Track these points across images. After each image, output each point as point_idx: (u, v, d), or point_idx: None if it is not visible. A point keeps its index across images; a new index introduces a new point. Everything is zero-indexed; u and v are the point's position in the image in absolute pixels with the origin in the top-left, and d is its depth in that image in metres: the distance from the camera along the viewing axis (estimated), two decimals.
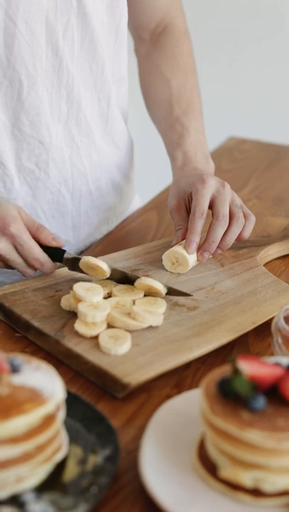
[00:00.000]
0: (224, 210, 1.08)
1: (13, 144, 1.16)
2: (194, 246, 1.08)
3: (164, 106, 1.27)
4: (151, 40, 1.34)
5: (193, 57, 1.34)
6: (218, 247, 1.09)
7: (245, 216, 1.12)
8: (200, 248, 1.09)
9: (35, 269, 1.06)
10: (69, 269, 1.07)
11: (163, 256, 1.09)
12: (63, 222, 1.27)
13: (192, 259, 1.08)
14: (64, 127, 1.20)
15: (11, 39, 1.08)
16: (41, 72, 1.13)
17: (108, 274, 1.03)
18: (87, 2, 1.14)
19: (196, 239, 1.08)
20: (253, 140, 1.79)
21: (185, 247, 1.08)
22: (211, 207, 1.10)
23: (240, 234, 1.11)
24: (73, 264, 1.05)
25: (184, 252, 1.07)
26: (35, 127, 1.16)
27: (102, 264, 1.02)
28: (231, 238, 1.10)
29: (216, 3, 2.64)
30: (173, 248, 1.08)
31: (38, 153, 1.18)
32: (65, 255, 1.06)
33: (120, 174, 1.36)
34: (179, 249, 1.08)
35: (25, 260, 1.04)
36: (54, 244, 1.05)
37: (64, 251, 1.06)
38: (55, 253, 1.05)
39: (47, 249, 1.05)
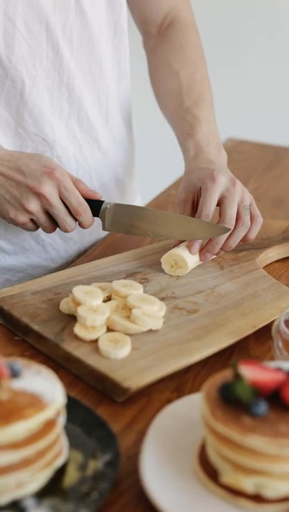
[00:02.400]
0: (231, 213, 1.07)
1: (18, 142, 1.17)
2: (197, 246, 1.08)
3: (174, 98, 1.26)
4: (158, 34, 1.34)
5: (201, 49, 1.33)
6: (221, 248, 1.09)
7: (252, 217, 1.11)
8: (203, 249, 1.08)
9: (75, 219, 1.05)
10: (106, 226, 1.08)
11: (162, 259, 1.08)
12: None
13: (191, 261, 1.07)
14: (66, 125, 1.21)
15: (11, 39, 1.09)
16: (42, 71, 1.14)
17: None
18: (85, 1, 1.14)
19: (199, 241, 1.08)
20: (251, 141, 1.79)
21: (188, 247, 1.08)
22: (219, 204, 1.09)
23: (245, 236, 1.10)
24: (114, 214, 1.07)
25: (183, 254, 1.07)
26: (39, 125, 1.17)
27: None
28: (235, 241, 1.09)
29: (214, 3, 2.64)
30: (172, 251, 1.08)
31: (43, 151, 1.19)
32: (104, 205, 1.07)
33: (123, 171, 1.36)
34: (177, 251, 1.07)
35: (69, 206, 1.04)
36: (92, 195, 1.06)
37: (101, 204, 1.07)
38: (91, 208, 1.07)
39: None
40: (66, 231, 1.06)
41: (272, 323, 0.93)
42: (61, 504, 0.69)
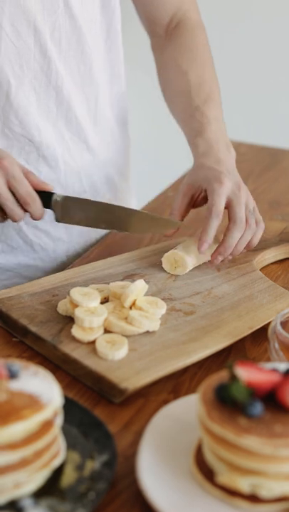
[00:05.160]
0: (241, 215, 1.08)
1: (4, 142, 1.17)
2: (206, 246, 1.07)
3: (183, 97, 1.26)
4: (166, 35, 1.34)
5: (209, 49, 1.33)
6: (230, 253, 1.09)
7: (256, 222, 1.11)
8: (215, 252, 1.08)
9: (24, 210, 1.05)
10: (57, 218, 1.08)
11: (163, 258, 1.10)
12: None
13: (190, 261, 1.08)
14: (53, 126, 1.21)
15: None
16: (29, 73, 1.14)
17: None
18: (74, 3, 1.15)
19: (209, 239, 1.07)
20: (248, 143, 1.80)
21: (198, 246, 1.07)
22: (226, 207, 1.09)
23: (249, 241, 1.10)
24: (64, 206, 1.06)
25: (183, 254, 1.08)
26: (25, 126, 1.17)
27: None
28: (242, 244, 1.09)
29: (214, 4, 2.64)
30: (173, 250, 1.09)
31: (29, 151, 1.19)
32: (54, 197, 1.06)
33: (116, 173, 1.36)
34: (178, 251, 1.08)
35: (17, 196, 1.03)
36: (43, 186, 1.06)
37: (51, 195, 1.07)
38: (43, 200, 1.06)
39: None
40: (15, 221, 1.05)
41: (268, 324, 0.94)
42: (58, 504, 0.69)
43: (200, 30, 1.33)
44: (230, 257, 1.10)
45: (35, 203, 1.05)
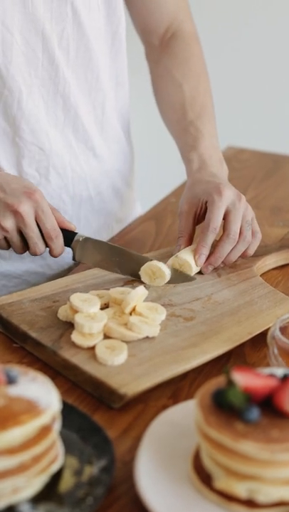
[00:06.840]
0: (236, 228, 1.09)
1: (15, 151, 1.18)
2: (204, 258, 1.09)
3: (177, 109, 1.28)
4: (161, 45, 1.35)
5: (203, 60, 1.34)
6: (222, 261, 1.11)
7: (252, 233, 1.12)
8: (205, 261, 1.10)
9: (46, 245, 1.06)
10: (75, 257, 1.09)
11: (140, 271, 1.08)
12: None
13: (167, 271, 1.07)
14: (61, 134, 1.22)
15: (9, 49, 1.10)
16: (37, 81, 1.15)
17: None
18: (82, 12, 1.16)
19: (205, 252, 1.09)
20: (251, 149, 1.80)
21: (195, 260, 1.09)
22: (224, 218, 1.10)
23: (244, 251, 1.12)
24: (83, 247, 1.08)
25: (160, 264, 1.06)
26: (36, 134, 1.18)
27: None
28: (235, 255, 1.11)
29: (215, 9, 2.65)
30: (178, 254, 1.09)
31: (39, 160, 1.20)
32: (76, 237, 1.08)
33: (121, 180, 1.37)
34: (182, 255, 1.08)
35: (42, 230, 1.05)
36: (67, 225, 1.07)
37: (74, 235, 1.08)
38: (64, 238, 1.08)
39: None
40: (35, 254, 1.07)
41: (268, 330, 0.94)
42: (57, 509, 0.70)
43: (195, 41, 1.34)
44: (222, 265, 1.12)
45: (59, 239, 1.06)
